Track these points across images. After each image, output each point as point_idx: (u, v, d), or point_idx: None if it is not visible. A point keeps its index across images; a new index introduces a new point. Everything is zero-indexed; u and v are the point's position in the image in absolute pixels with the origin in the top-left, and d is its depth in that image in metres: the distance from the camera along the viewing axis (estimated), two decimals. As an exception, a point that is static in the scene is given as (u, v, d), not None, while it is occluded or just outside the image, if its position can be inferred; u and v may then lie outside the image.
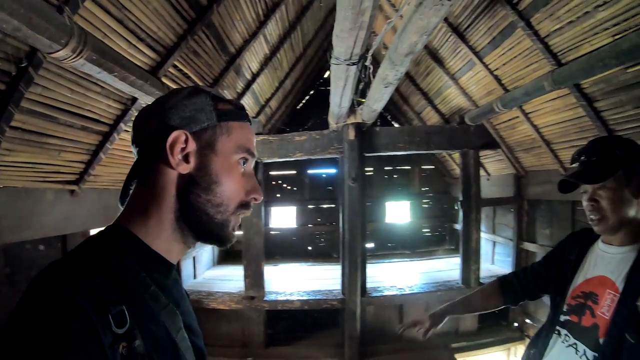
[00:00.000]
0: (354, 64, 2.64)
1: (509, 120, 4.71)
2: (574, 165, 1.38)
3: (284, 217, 8.62)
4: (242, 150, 0.77)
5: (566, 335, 1.38)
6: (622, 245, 1.29)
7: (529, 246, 5.31)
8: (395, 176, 8.59)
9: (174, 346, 0.66)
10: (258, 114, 6.41)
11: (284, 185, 8.53)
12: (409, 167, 8.55)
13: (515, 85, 4.06)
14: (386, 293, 5.25)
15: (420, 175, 8.58)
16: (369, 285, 5.40)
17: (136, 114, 0.80)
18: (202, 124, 0.73)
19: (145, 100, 2.92)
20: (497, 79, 4.27)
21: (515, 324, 5.44)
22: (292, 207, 8.55)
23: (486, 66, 4.26)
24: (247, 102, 5.69)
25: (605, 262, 1.34)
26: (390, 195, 8.56)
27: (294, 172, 8.46)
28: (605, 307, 1.25)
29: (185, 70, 3.69)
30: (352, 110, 4.66)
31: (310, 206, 8.51)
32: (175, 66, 3.46)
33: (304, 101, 8.99)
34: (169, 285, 0.73)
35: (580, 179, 1.33)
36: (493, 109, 4.28)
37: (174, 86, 3.59)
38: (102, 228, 0.70)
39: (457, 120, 5.34)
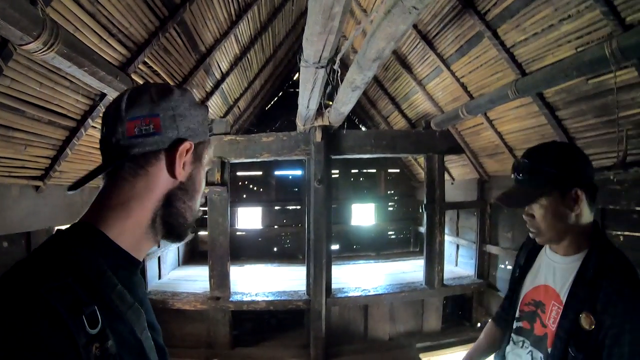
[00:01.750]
0: (322, 67, 2.62)
1: (474, 126, 4.82)
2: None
3: (250, 218, 8.50)
4: (211, 163, 0.86)
5: (523, 341, 1.39)
6: (566, 255, 1.29)
7: (492, 249, 5.47)
8: (361, 179, 8.66)
9: (140, 345, 0.67)
10: (226, 114, 6.31)
11: (250, 186, 8.42)
12: (375, 170, 8.63)
13: (481, 92, 4.16)
14: (351, 294, 5.25)
15: (386, 178, 8.69)
16: (334, 286, 5.38)
17: (125, 101, 0.73)
18: (201, 138, 0.80)
19: (114, 96, 2.75)
20: (463, 86, 4.36)
21: (479, 324, 5.57)
22: (258, 208, 8.45)
23: (453, 73, 4.34)
24: (216, 101, 5.59)
25: (550, 270, 1.34)
26: (356, 197, 8.61)
27: (260, 173, 8.36)
28: (552, 319, 1.26)
29: (155, 68, 3.61)
30: (319, 112, 4.64)
31: (276, 207, 8.43)
32: (145, 63, 3.38)
33: (272, 102, 8.90)
34: (134, 283, 0.73)
35: (507, 204, 1.35)
36: (458, 115, 4.36)
37: (142, 83, 3.48)
38: (68, 225, 0.70)
39: (423, 125, 5.42)
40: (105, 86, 2.63)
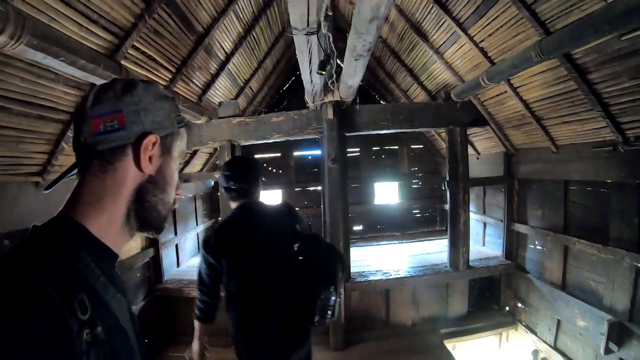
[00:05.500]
0: (313, 33, 2.36)
1: (497, 95, 4.42)
2: None
3: (270, 201, 8.28)
4: (183, 154, 0.89)
5: None
6: None
7: (520, 227, 5.09)
8: (383, 156, 8.28)
9: (125, 333, 0.70)
10: (237, 96, 6.12)
11: (270, 168, 8.25)
12: (397, 147, 8.23)
13: (502, 58, 3.77)
14: (371, 278, 5.03)
15: (409, 155, 8.27)
16: (355, 269, 5.22)
17: (90, 100, 0.75)
18: (168, 130, 0.81)
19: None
20: (483, 51, 3.97)
21: (507, 308, 5.27)
22: (278, 190, 8.29)
23: (471, 38, 3.96)
24: (224, 83, 5.42)
25: None
26: (379, 176, 8.27)
27: (279, 154, 8.18)
28: None
29: (149, 52, 3.46)
30: (328, 88, 4.38)
31: (296, 189, 8.23)
32: (136, 48, 3.26)
33: (290, 82, 8.57)
34: (114, 275, 0.75)
35: None
36: (479, 84, 3.98)
37: (136, 69, 3.40)
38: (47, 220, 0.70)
39: (442, 97, 5.04)
40: (90, 75, 2.54)
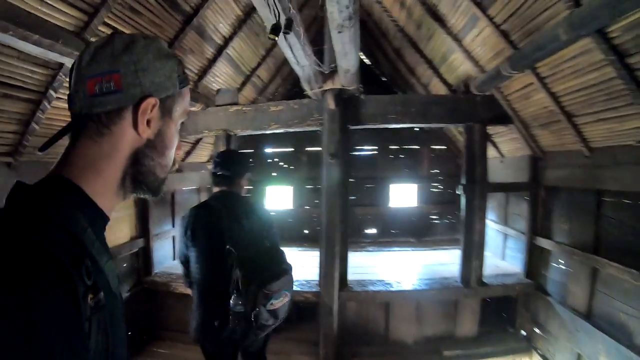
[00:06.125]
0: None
1: (522, 88, 3.83)
2: None
3: (279, 198, 7.96)
4: (186, 114, 0.84)
5: None
6: None
7: (544, 242, 4.41)
8: (401, 156, 7.68)
9: (116, 298, 0.70)
10: (243, 85, 5.77)
11: (280, 164, 7.83)
12: (417, 147, 7.62)
13: (527, 42, 3.20)
14: (370, 288, 4.52)
15: (430, 155, 7.64)
16: (354, 277, 4.73)
17: (87, 57, 0.69)
18: (168, 92, 0.77)
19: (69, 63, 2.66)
20: (505, 34, 3.45)
21: (523, 333, 4.62)
22: (289, 187, 7.88)
23: (491, 19, 3.45)
24: (224, 70, 5.10)
25: None
26: (396, 177, 7.69)
27: (291, 149, 7.76)
28: None
29: (126, 31, 3.19)
30: (327, 75, 3.93)
31: (307, 186, 7.75)
32: (109, 25, 3.04)
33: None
34: (104, 239, 0.74)
35: None
36: (501, 73, 3.44)
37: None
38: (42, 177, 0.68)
39: (461, 90, 4.47)
40: (48, 51, 2.46)
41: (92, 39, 2.78)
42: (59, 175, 0.68)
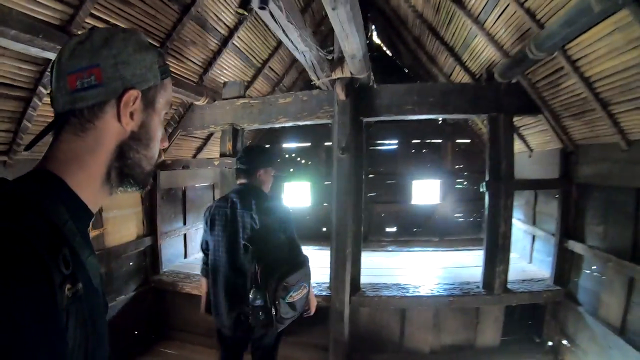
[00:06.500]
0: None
1: (552, 73, 3.43)
2: None
3: (297, 195, 7.76)
4: (169, 105, 0.86)
5: None
6: None
7: (575, 246, 3.96)
8: (424, 151, 7.30)
9: (97, 293, 0.69)
10: (254, 77, 5.58)
11: (298, 159, 7.62)
12: (441, 141, 7.22)
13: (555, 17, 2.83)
14: (384, 293, 4.21)
15: (454, 150, 7.21)
16: (368, 280, 4.44)
17: (66, 53, 0.70)
18: (150, 83, 0.77)
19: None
20: (530, 13, 3.08)
21: (550, 344, 4.21)
22: (306, 183, 7.65)
23: (514, -5, 3.06)
24: (232, 62, 4.93)
25: None
26: (418, 173, 7.33)
27: (309, 144, 7.53)
28: None
29: (117, 23, 3.10)
30: (335, 63, 3.67)
31: (326, 182, 7.44)
32: (97, 17, 2.91)
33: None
34: (87, 235, 0.74)
35: None
36: (527, 56, 3.08)
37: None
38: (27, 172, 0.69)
39: (484, 77, 4.09)
40: (29, 47, 2.38)
41: (79, 32, 2.65)
42: (43, 169, 0.68)
